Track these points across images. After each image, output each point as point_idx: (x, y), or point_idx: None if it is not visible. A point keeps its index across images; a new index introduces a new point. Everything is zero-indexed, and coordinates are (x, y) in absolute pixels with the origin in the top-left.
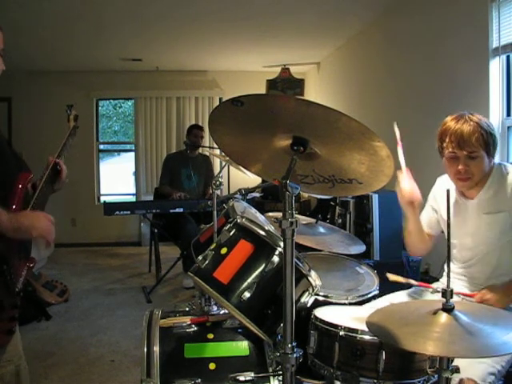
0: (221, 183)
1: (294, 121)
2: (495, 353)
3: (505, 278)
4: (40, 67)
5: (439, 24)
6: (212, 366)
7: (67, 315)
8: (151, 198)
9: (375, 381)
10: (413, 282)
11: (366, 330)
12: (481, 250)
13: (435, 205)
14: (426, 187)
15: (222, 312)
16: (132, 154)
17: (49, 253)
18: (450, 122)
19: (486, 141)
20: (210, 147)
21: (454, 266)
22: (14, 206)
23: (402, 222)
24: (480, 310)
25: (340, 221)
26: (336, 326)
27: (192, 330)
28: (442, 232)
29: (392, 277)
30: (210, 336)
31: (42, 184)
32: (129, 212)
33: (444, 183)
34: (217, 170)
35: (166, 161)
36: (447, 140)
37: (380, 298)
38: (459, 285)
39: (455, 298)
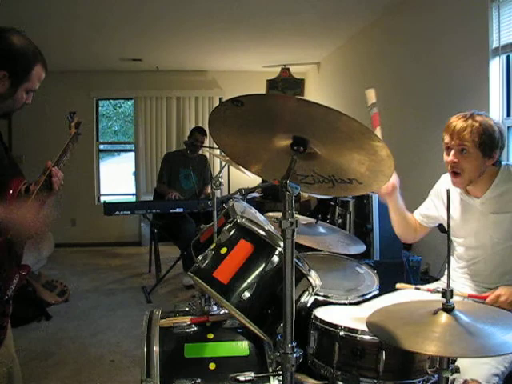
0: (221, 183)
1: (294, 121)
2: (495, 353)
3: (507, 276)
4: None
5: (439, 24)
6: (212, 365)
7: (67, 315)
8: (151, 198)
9: (375, 381)
10: (421, 287)
11: (366, 330)
12: (485, 249)
13: (436, 201)
14: (424, 186)
15: (222, 312)
16: (132, 154)
17: (49, 253)
18: (453, 117)
19: (481, 139)
20: (210, 147)
21: (458, 264)
22: None
23: None
24: (480, 310)
25: (340, 221)
26: (336, 326)
27: (192, 330)
28: (443, 232)
29: (400, 285)
30: (210, 336)
31: (38, 188)
32: (129, 212)
33: (448, 180)
34: (217, 170)
35: (165, 159)
36: (444, 132)
37: (383, 296)
38: (461, 283)
39: (456, 298)
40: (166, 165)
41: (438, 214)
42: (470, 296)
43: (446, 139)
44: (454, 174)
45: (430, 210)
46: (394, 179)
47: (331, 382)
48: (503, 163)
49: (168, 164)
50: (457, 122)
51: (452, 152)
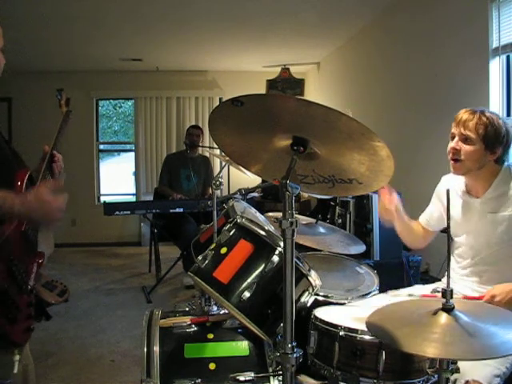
0: (221, 183)
1: (294, 121)
2: (495, 354)
3: (506, 276)
4: (40, 67)
5: (439, 24)
6: (212, 365)
7: (67, 315)
8: (151, 198)
9: (375, 381)
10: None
11: (366, 330)
12: (484, 249)
13: (439, 203)
14: (426, 186)
15: (222, 312)
16: (132, 154)
17: (49, 253)
18: (463, 110)
19: (486, 132)
20: (210, 147)
21: (458, 264)
22: None
23: None
24: (480, 309)
25: (340, 221)
26: (336, 326)
27: (192, 330)
28: (443, 232)
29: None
30: (210, 336)
31: (41, 175)
32: (129, 212)
33: (449, 181)
34: (217, 170)
35: (166, 161)
36: (453, 123)
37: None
38: (463, 285)
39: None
40: (166, 167)
41: (442, 216)
42: (464, 298)
43: (453, 129)
44: (454, 160)
45: (434, 213)
46: (395, 200)
47: (331, 382)
48: (506, 164)
49: (168, 166)
50: (464, 113)
51: (455, 139)
